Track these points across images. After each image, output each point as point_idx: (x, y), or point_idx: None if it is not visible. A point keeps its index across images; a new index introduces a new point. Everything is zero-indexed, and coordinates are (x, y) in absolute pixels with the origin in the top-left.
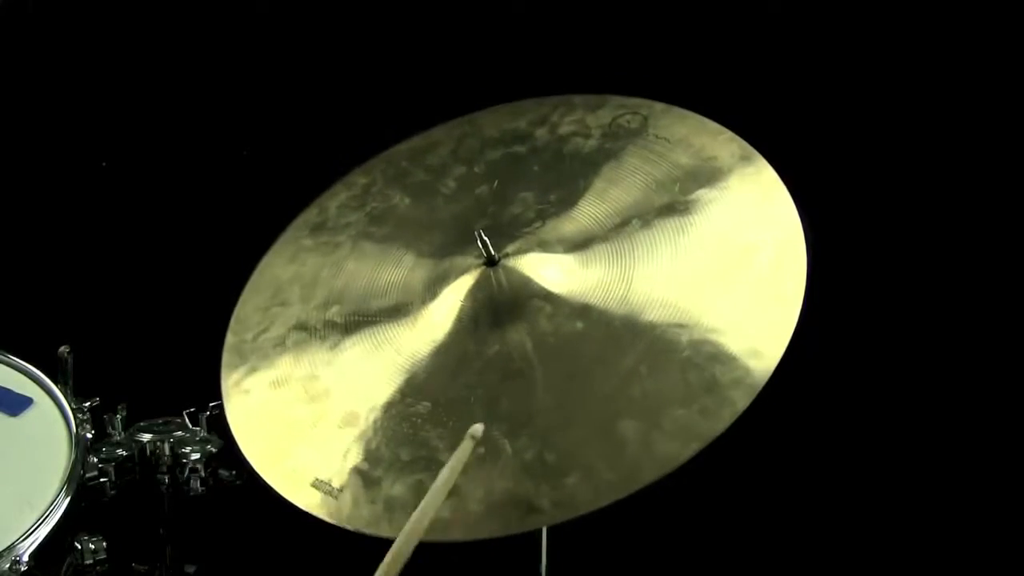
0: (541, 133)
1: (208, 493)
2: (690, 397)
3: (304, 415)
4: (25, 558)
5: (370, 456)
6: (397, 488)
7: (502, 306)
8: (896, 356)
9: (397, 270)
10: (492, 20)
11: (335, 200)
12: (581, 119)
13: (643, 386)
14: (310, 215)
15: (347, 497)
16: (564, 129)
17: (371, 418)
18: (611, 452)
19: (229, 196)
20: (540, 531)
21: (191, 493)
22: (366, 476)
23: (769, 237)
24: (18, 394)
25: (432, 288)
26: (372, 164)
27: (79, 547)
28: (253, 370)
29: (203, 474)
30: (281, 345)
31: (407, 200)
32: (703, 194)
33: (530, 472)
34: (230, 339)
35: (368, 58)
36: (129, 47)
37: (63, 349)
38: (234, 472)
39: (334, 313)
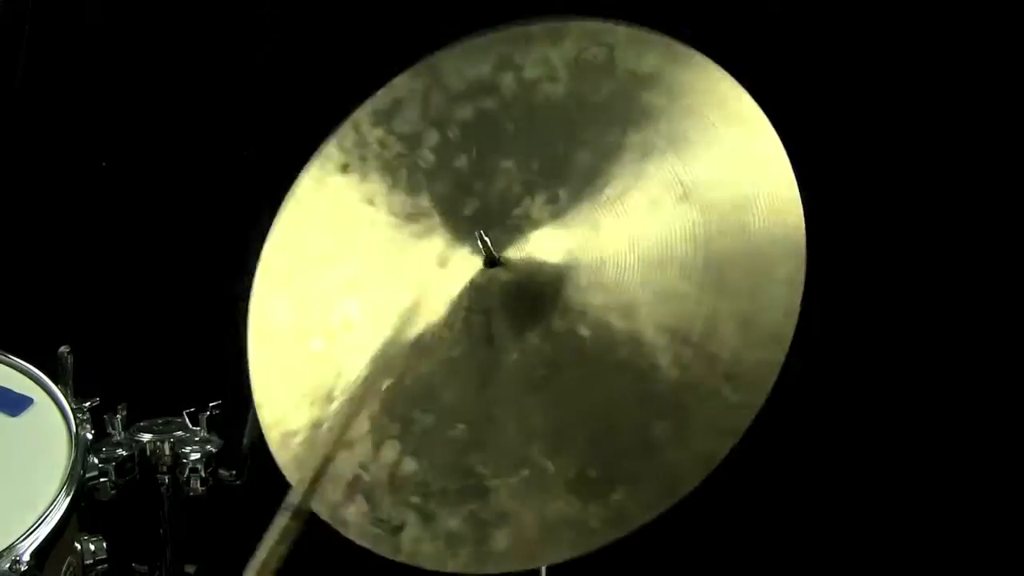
0: (507, 82)
1: (208, 493)
2: (714, 389)
3: (346, 452)
4: (25, 558)
5: (420, 489)
6: (453, 522)
7: (512, 310)
8: (896, 348)
9: (396, 281)
10: None
11: (316, 190)
12: (545, 58)
13: (667, 382)
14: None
15: (409, 534)
16: (530, 73)
17: (414, 450)
18: (651, 460)
19: (229, 196)
20: None
21: (191, 493)
22: (421, 511)
23: (763, 188)
24: (18, 394)
25: (437, 301)
26: (342, 133)
27: (79, 547)
28: (290, 404)
29: (203, 474)
30: (305, 344)
31: (389, 180)
32: (684, 134)
33: (576, 491)
34: (254, 360)
35: (365, 55)
36: (129, 47)
37: (63, 349)
38: (234, 472)
39: (344, 317)
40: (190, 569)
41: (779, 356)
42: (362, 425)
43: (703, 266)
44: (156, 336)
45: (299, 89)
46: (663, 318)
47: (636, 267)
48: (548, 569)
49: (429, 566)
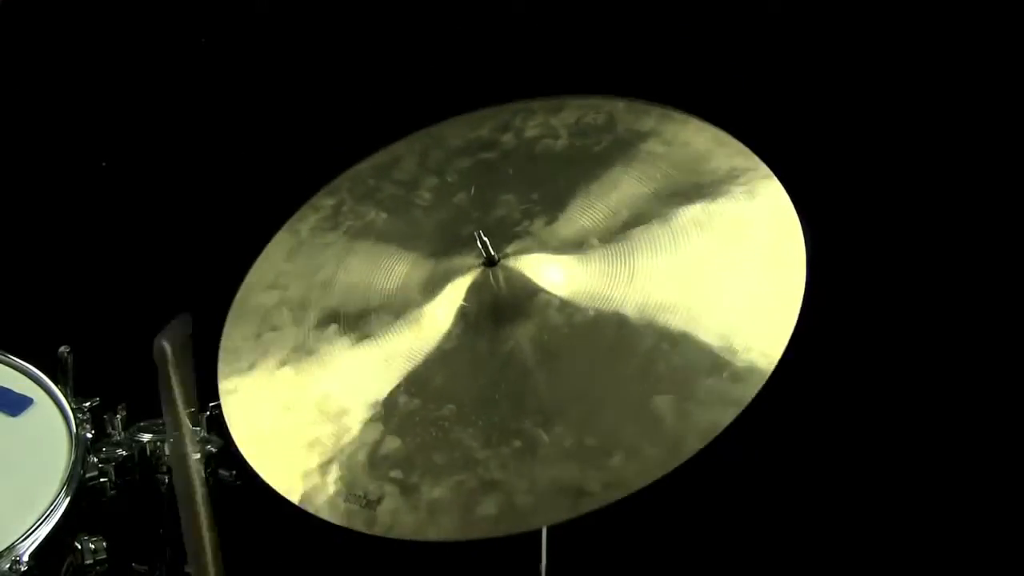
0: (507, 139)
1: (208, 493)
2: (717, 365)
3: (324, 435)
4: (25, 558)
5: (403, 465)
6: (437, 491)
7: (509, 304)
8: (897, 345)
9: (391, 280)
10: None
11: (305, 224)
12: (544, 122)
13: (668, 362)
14: (283, 240)
15: (385, 508)
16: (530, 133)
17: (396, 428)
18: (650, 428)
19: (229, 196)
20: (540, 530)
21: None
22: (402, 484)
23: (760, 210)
24: (18, 394)
25: (433, 293)
26: (337, 184)
27: (79, 547)
28: (259, 399)
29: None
30: (282, 369)
31: (384, 215)
32: (685, 178)
33: (574, 457)
34: (223, 369)
35: (363, 60)
36: (129, 47)
37: (63, 349)
38: (234, 472)
39: (334, 331)
40: (190, 569)
41: (783, 337)
42: (354, 414)
43: (704, 250)
44: (156, 336)
45: (299, 89)
46: (664, 301)
47: (634, 255)
48: (548, 569)
49: (408, 537)
